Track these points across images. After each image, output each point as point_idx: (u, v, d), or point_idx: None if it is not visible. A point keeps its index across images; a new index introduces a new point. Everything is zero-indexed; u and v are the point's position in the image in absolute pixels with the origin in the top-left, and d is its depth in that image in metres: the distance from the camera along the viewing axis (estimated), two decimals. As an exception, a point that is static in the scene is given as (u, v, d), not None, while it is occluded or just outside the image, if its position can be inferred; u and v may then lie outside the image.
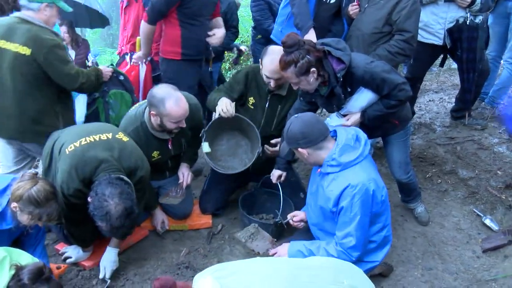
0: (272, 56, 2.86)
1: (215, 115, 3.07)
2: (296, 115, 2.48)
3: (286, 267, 1.69)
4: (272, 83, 2.99)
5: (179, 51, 3.50)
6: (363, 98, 2.67)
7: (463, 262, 3.01)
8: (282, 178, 3.08)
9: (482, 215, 3.40)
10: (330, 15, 3.66)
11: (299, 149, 2.40)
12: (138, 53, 3.73)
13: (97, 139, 2.54)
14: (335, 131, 2.50)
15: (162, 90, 2.74)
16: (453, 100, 4.74)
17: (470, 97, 4.22)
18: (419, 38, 3.51)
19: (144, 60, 3.77)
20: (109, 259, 2.80)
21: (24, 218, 2.19)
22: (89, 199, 2.36)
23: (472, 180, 3.77)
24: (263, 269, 1.66)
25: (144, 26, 3.46)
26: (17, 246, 2.38)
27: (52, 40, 2.84)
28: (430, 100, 5.37)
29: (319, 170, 2.48)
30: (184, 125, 2.85)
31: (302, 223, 2.87)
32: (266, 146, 3.20)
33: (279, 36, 3.73)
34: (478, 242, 3.20)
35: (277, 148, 3.16)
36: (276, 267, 1.68)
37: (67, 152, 2.47)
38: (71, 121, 3.17)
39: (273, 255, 2.70)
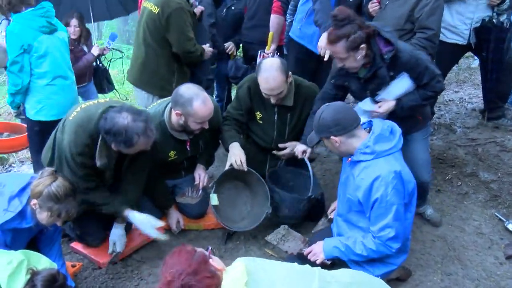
0: (267, 74, 2.80)
1: (227, 165, 2.98)
2: (327, 104, 2.42)
3: (316, 278, 1.66)
4: (273, 99, 2.94)
5: None
6: (401, 85, 2.61)
7: (485, 269, 2.93)
8: (307, 154, 2.96)
9: (504, 219, 3.31)
10: None
11: (332, 137, 2.32)
12: (272, 47, 4.04)
13: (96, 102, 2.65)
14: (369, 123, 2.44)
15: (190, 90, 2.71)
16: (474, 100, 4.64)
17: (493, 96, 4.12)
18: (442, 38, 3.43)
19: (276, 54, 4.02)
20: (117, 233, 2.83)
21: (43, 216, 2.19)
22: (102, 137, 2.42)
23: (494, 183, 3.68)
24: (293, 275, 1.66)
25: (279, 18, 3.96)
26: (33, 246, 2.38)
27: (178, 3, 3.15)
28: (449, 100, 5.26)
29: (349, 159, 2.42)
30: (207, 127, 2.83)
31: None
32: (274, 152, 3.20)
33: (298, 34, 3.68)
34: (501, 247, 3.11)
35: (286, 151, 3.15)
36: (307, 277, 1.65)
37: (71, 119, 2.53)
38: (186, 80, 3.41)
39: (307, 254, 2.61)
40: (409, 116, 2.79)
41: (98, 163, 2.50)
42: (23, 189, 2.24)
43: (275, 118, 3.12)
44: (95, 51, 4.34)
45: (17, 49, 3.12)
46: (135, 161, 2.72)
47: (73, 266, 2.75)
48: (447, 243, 3.17)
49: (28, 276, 1.77)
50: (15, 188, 2.23)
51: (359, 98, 2.85)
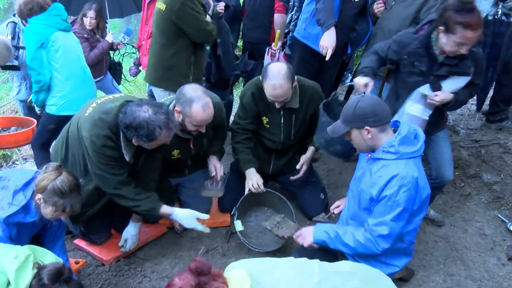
0: (273, 81, 2.78)
1: (246, 190, 3.05)
2: (361, 95, 2.39)
3: (318, 270, 1.66)
4: (277, 104, 2.94)
5: None
6: (463, 80, 2.64)
7: (488, 270, 2.93)
8: (369, 88, 2.75)
9: (507, 221, 3.32)
10: (355, 13, 3.59)
11: (366, 128, 2.26)
12: (279, 44, 4.18)
13: (111, 97, 2.65)
14: (394, 123, 2.42)
15: (194, 91, 2.68)
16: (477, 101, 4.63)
17: (484, 96, 4.12)
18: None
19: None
20: (131, 232, 2.87)
21: (48, 210, 2.19)
22: (123, 132, 2.41)
23: (497, 185, 3.68)
24: (295, 270, 1.64)
25: (282, 17, 4.12)
26: (37, 242, 2.38)
27: None
28: (452, 101, 5.26)
29: (369, 155, 2.40)
30: (204, 131, 2.82)
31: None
32: (291, 178, 3.23)
33: (302, 34, 3.68)
34: (504, 249, 3.12)
35: (299, 175, 3.19)
36: (308, 270, 1.65)
37: (87, 115, 2.49)
38: (201, 72, 3.55)
39: (297, 237, 2.63)
40: (440, 117, 2.86)
41: (127, 158, 2.50)
42: (27, 184, 2.25)
43: (281, 121, 3.12)
44: (109, 38, 4.43)
45: (35, 44, 3.26)
46: (151, 158, 2.71)
47: (76, 262, 2.75)
48: (450, 244, 3.18)
49: (35, 271, 1.78)
50: (19, 182, 2.24)
51: (413, 81, 2.78)
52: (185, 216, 2.69)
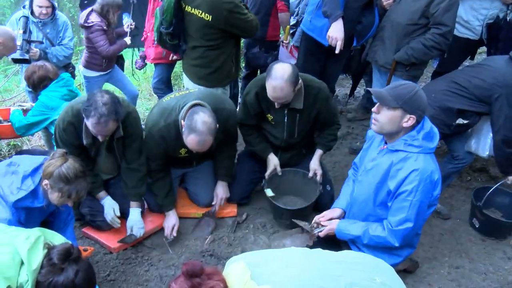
0: (275, 83, 2.77)
1: (268, 172, 3.26)
2: (418, 85, 2.36)
3: (319, 259, 1.67)
4: (277, 104, 2.94)
5: None
6: None
7: (493, 263, 2.94)
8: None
9: (513, 215, 3.31)
10: (361, 6, 3.58)
11: (411, 115, 2.22)
12: (289, 38, 4.37)
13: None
14: None
15: (201, 123, 2.60)
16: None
17: None
18: (454, 32, 3.41)
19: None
20: (134, 219, 2.95)
21: (54, 196, 2.24)
22: (81, 110, 2.58)
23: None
24: (294, 260, 1.64)
25: (286, 15, 4.38)
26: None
27: (228, 3, 3.08)
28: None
29: (385, 146, 2.40)
30: (198, 154, 2.88)
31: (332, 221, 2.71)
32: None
33: (308, 26, 3.67)
34: (510, 243, 3.12)
35: (318, 180, 3.25)
36: (308, 259, 1.66)
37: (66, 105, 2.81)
38: (239, 60, 3.68)
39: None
40: None
41: (85, 141, 2.74)
42: (36, 169, 2.30)
43: (285, 120, 3.13)
44: (128, 40, 4.48)
45: (41, 109, 3.39)
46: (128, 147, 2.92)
47: (85, 250, 2.77)
48: (455, 237, 3.19)
49: (45, 251, 1.82)
50: (28, 168, 2.29)
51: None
52: (108, 203, 2.95)
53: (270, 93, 2.85)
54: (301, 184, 3.32)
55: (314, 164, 3.26)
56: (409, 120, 2.24)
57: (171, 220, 3.05)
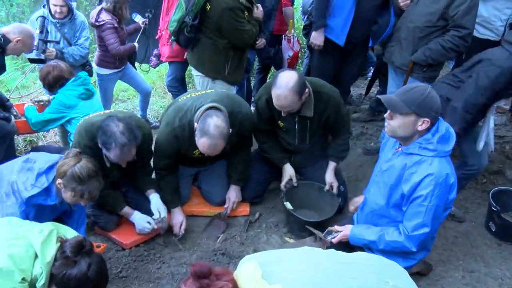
0: (279, 92, 2.75)
1: (283, 182, 3.26)
2: (430, 86, 2.30)
3: (331, 261, 1.66)
4: (283, 113, 2.93)
5: None
6: None
7: (509, 268, 2.88)
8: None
9: (530, 219, 3.25)
10: (375, 5, 3.56)
11: (425, 118, 2.19)
12: (292, 31, 4.48)
13: (101, 113, 2.90)
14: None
15: (213, 127, 2.62)
16: (502, 97, 4.54)
17: None
18: (474, 33, 3.36)
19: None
20: (157, 202, 3.00)
21: (67, 195, 2.28)
22: (99, 142, 2.59)
23: (521, 182, 3.61)
24: (306, 260, 1.63)
25: (289, 9, 4.54)
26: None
27: (226, 2, 3.15)
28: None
29: (399, 148, 2.37)
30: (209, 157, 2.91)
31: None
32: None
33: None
34: (526, 247, 3.06)
35: (334, 192, 3.21)
36: (320, 260, 1.65)
37: (78, 125, 2.83)
38: (240, 67, 3.65)
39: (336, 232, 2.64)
40: None
41: (107, 164, 2.70)
42: (51, 167, 2.34)
43: (296, 127, 3.12)
44: (136, 44, 4.50)
45: (58, 107, 3.44)
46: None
47: (97, 246, 2.80)
48: (470, 240, 3.14)
49: (58, 244, 1.86)
50: (44, 165, 2.32)
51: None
52: (139, 217, 2.93)
53: (275, 101, 2.84)
54: (317, 198, 3.28)
55: (330, 177, 3.23)
56: (423, 124, 2.21)
57: (178, 217, 3.06)
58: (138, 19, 4.64)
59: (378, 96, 2.35)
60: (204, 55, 3.47)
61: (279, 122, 3.15)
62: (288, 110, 2.88)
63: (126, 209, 2.96)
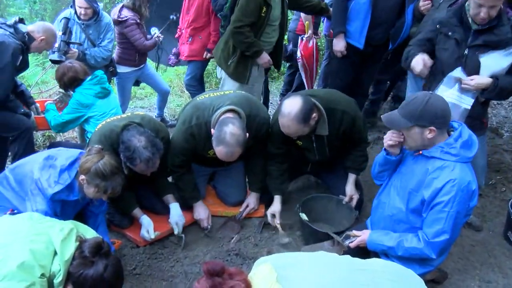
0: (283, 120, 2.74)
1: (269, 217, 3.17)
2: (430, 92, 2.28)
3: (346, 266, 1.65)
4: (293, 136, 2.90)
5: None
6: (506, 59, 2.56)
7: (528, 279, 2.83)
8: (428, 63, 2.79)
9: (550, 229, 3.18)
10: (392, 8, 3.55)
11: (430, 127, 2.17)
12: (309, 32, 4.39)
13: (119, 117, 2.93)
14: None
15: (230, 135, 2.62)
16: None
17: None
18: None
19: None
20: (176, 214, 3.01)
21: (90, 191, 2.33)
22: (120, 154, 2.61)
23: (541, 191, 3.54)
24: (321, 265, 1.63)
25: None
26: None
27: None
28: (498, 103, 5.07)
29: (420, 152, 2.32)
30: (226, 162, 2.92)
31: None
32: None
33: None
34: (547, 259, 2.99)
35: (353, 204, 3.16)
36: (335, 266, 1.64)
37: (96, 130, 2.86)
38: (246, 65, 3.70)
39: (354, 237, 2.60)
40: (477, 119, 2.76)
41: (126, 171, 2.66)
42: (72, 163, 2.38)
43: (314, 145, 3.09)
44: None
45: (76, 107, 3.48)
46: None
47: (112, 243, 2.83)
48: (487, 249, 3.08)
49: (77, 243, 1.88)
50: (65, 162, 2.37)
51: (449, 56, 2.75)
52: (144, 224, 2.94)
53: (281, 128, 2.83)
54: (333, 211, 3.22)
55: (351, 190, 3.19)
56: (430, 133, 2.18)
57: (204, 211, 3.12)
58: (154, 32, 4.63)
59: (381, 116, 2.33)
60: (222, 41, 3.73)
61: (297, 141, 3.12)
62: (296, 135, 2.87)
63: (136, 211, 2.99)
